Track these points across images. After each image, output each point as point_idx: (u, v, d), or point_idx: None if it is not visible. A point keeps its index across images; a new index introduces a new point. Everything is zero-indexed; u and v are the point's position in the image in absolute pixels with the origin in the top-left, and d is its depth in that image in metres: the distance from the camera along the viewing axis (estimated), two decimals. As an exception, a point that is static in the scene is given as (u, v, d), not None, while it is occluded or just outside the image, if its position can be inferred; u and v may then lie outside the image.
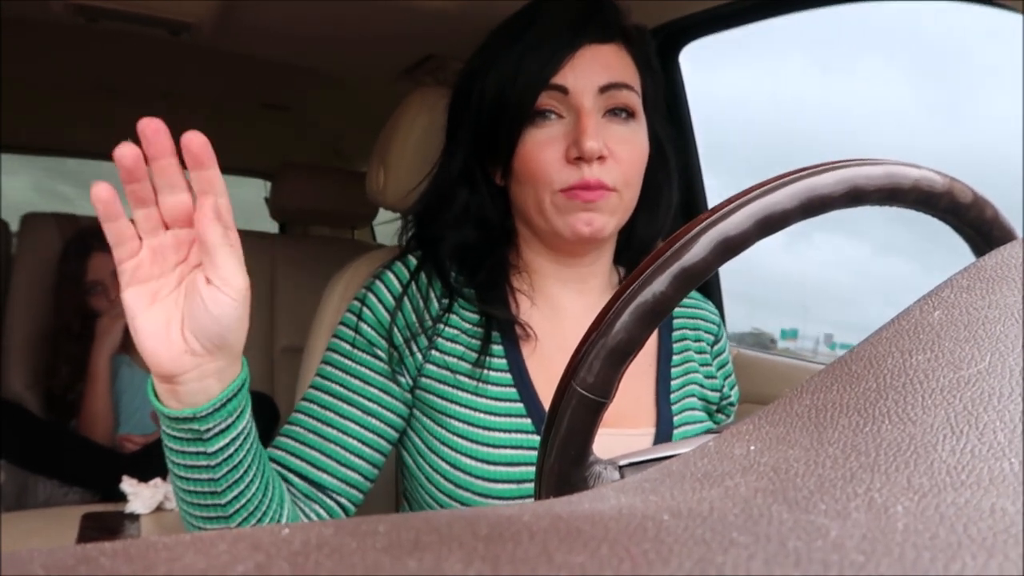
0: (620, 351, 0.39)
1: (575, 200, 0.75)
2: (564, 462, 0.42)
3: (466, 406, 0.76)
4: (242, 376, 0.60)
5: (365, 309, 0.79)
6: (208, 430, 0.59)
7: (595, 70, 0.76)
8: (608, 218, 0.76)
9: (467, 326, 0.80)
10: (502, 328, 0.80)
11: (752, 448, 0.24)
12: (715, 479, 0.22)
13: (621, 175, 0.76)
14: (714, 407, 0.88)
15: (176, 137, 0.55)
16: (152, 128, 0.54)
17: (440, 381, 0.78)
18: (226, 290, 0.55)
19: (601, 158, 0.74)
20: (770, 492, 0.20)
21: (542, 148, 0.75)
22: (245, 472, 0.63)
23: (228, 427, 0.60)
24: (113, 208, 0.53)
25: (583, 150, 0.73)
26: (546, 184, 0.75)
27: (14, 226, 2.00)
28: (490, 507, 0.20)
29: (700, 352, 0.89)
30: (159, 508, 1.13)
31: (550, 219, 0.77)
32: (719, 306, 1.36)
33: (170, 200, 0.55)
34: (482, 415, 0.76)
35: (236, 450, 0.61)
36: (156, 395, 0.59)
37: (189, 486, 0.62)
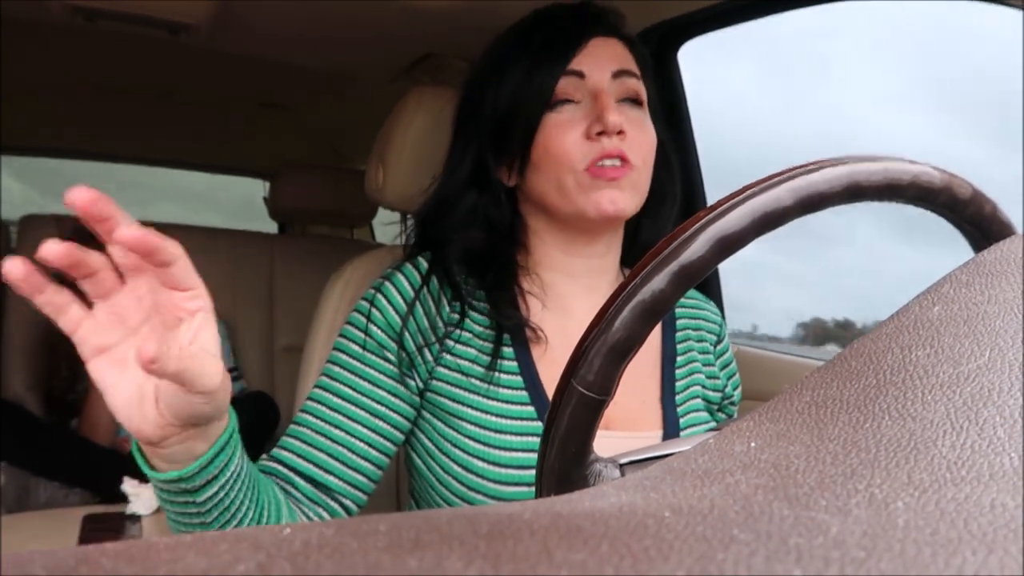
0: (620, 349, 0.40)
1: (599, 179, 0.76)
2: (564, 460, 0.42)
3: (478, 409, 0.76)
4: (230, 427, 0.58)
5: (374, 310, 0.79)
6: (195, 487, 0.57)
7: (607, 57, 0.80)
8: (630, 196, 0.78)
9: (479, 329, 0.80)
10: (512, 331, 0.80)
11: (752, 445, 0.24)
12: (716, 476, 0.22)
13: (639, 152, 0.78)
14: (715, 406, 0.88)
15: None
16: (86, 201, 0.44)
17: (452, 384, 0.78)
18: (195, 394, 0.50)
19: (621, 132, 0.76)
20: (771, 489, 0.20)
21: (563, 130, 0.78)
22: (236, 510, 0.61)
23: (215, 477, 0.58)
24: (33, 282, 0.46)
25: (606, 124, 0.75)
26: (569, 164, 0.77)
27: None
28: (490, 505, 0.20)
29: (703, 352, 0.89)
30: (160, 509, 1.13)
31: (574, 199, 0.78)
32: (719, 304, 1.36)
33: (122, 259, 0.49)
34: (493, 418, 0.76)
35: (225, 495, 0.60)
36: (141, 454, 0.57)
37: (180, 520, 0.61)
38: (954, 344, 0.26)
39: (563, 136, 0.77)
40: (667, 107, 1.30)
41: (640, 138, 0.78)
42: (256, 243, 2.09)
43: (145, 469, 0.57)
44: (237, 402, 1.97)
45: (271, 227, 2.53)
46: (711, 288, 1.38)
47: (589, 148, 0.76)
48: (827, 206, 0.40)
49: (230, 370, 1.89)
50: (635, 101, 0.80)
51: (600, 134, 0.76)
